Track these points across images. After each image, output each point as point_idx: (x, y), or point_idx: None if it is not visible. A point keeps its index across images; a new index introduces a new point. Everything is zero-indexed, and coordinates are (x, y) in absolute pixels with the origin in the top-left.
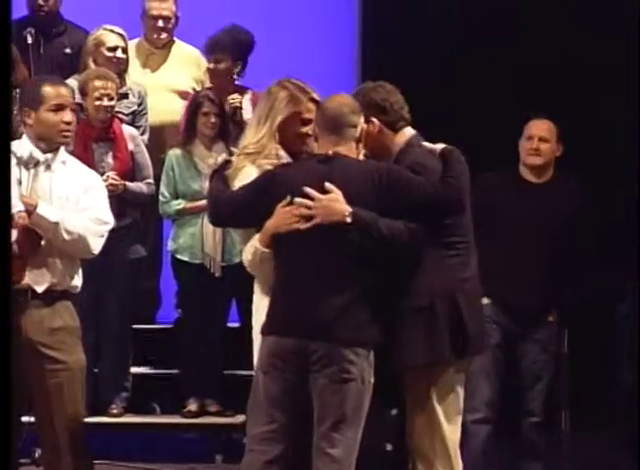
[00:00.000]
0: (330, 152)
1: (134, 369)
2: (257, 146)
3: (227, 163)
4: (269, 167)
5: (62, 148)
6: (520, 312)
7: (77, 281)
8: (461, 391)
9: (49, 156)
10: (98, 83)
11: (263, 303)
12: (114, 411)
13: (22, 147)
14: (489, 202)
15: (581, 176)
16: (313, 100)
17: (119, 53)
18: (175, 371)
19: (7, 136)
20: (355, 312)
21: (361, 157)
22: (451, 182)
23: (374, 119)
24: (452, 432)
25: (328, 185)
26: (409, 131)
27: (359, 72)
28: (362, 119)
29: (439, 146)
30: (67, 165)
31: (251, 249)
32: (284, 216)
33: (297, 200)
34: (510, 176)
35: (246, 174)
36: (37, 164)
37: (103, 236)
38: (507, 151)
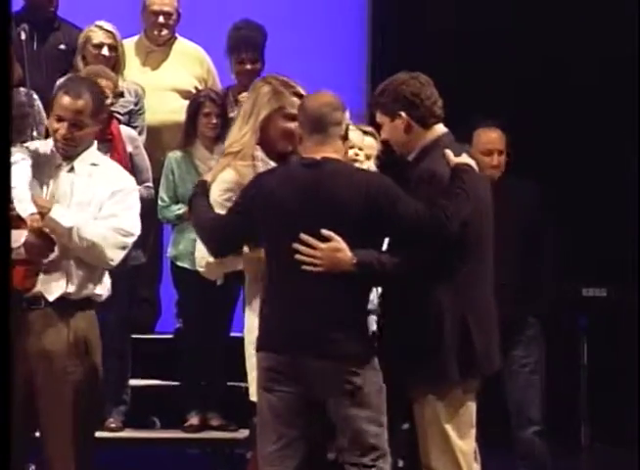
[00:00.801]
0: (318, 156)
1: (133, 381)
2: (240, 143)
3: (203, 184)
4: (245, 170)
5: (92, 150)
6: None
7: (101, 289)
8: (472, 405)
9: (73, 158)
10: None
11: (253, 312)
12: (112, 426)
13: (47, 146)
14: None
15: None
16: (298, 94)
17: (105, 51)
18: (176, 383)
19: (7, 136)
20: (352, 326)
21: (374, 150)
22: (442, 209)
23: (402, 114)
24: (465, 445)
25: (326, 232)
26: (440, 129)
27: (369, 71)
28: (347, 116)
29: (456, 160)
30: (97, 169)
31: (211, 259)
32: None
33: (298, 248)
34: None
35: (222, 179)
36: (60, 165)
37: (124, 247)
38: None
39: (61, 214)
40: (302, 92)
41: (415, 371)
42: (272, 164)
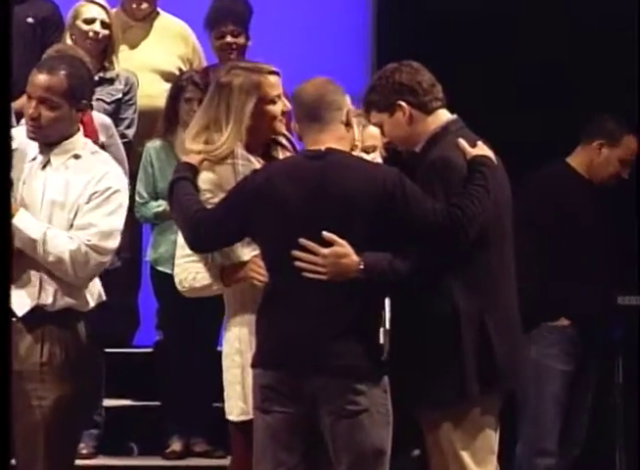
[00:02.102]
0: (322, 147)
1: (107, 401)
2: (221, 151)
3: (188, 167)
4: (224, 169)
5: (76, 139)
6: (594, 334)
7: (85, 298)
8: (492, 432)
9: (51, 148)
10: None
11: (234, 324)
12: (84, 452)
13: (19, 136)
14: (559, 205)
15: None
16: (271, 72)
17: (98, 26)
18: (156, 404)
19: (7, 136)
20: (358, 339)
21: (378, 140)
22: (461, 210)
23: (401, 103)
24: None
25: (328, 235)
26: (446, 115)
27: (373, 55)
28: (348, 100)
29: (473, 152)
30: (79, 162)
31: (199, 277)
32: (258, 275)
33: (297, 254)
34: (570, 174)
35: (199, 180)
36: (35, 158)
37: (98, 266)
38: (545, 143)
39: (25, 222)
40: (274, 68)
41: (426, 387)
42: (253, 160)
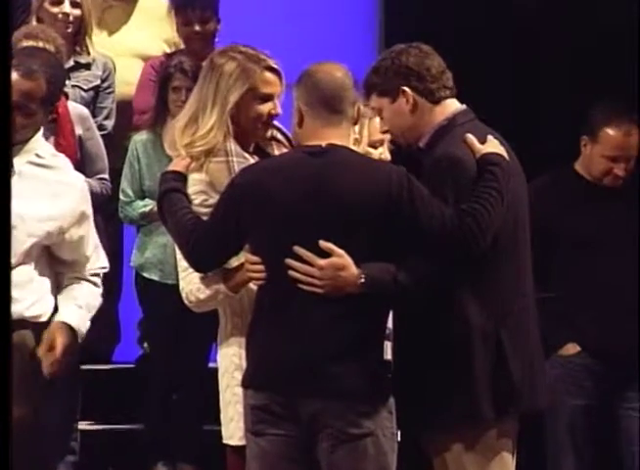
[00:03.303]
0: (322, 144)
1: (83, 424)
2: (208, 141)
3: (177, 176)
4: (217, 168)
5: (37, 138)
6: (617, 360)
7: (40, 308)
8: (508, 456)
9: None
10: (27, 44)
11: (233, 337)
12: None
13: None
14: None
15: None
16: (271, 68)
17: (67, 7)
18: (138, 426)
19: (7, 135)
20: (360, 358)
21: (385, 138)
22: (473, 216)
23: (405, 89)
24: None
25: (325, 244)
26: (455, 105)
27: (381, 40)
28: (357, 94)
29: (483, 149)
30: (44, 172)
31: (203, 287)
32: (255, 274)
33: (291, 264)
34: (573, 180)
35: (190, 180)
36: None
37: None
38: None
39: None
40: (275, 65)
41: (435, 408)
42: (249, 158)
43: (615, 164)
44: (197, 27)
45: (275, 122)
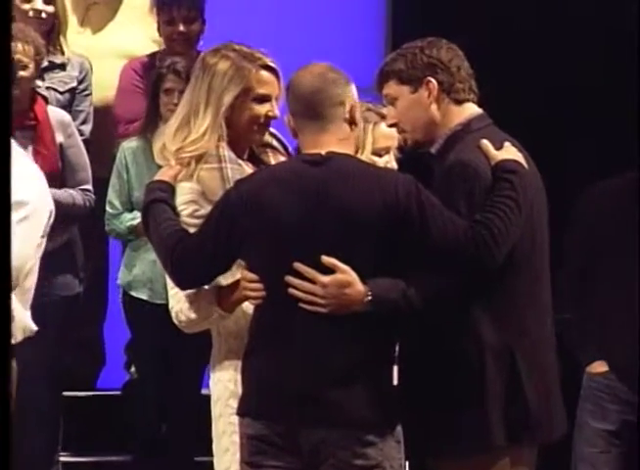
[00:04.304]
0: (322, 151)
1: (64, 456)
2: (200, 145)
3: (163, 186)
4: (210, 175)
5: None
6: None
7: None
8: None
9: None
10: None
11: (228, 361)
12: None
13: None
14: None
15: None
16: (266, 67)
17: (39, 4)
18: (124, 458)
19: (7, 134)
20: (366, 383)
21: (394, 139)
22: (488, 228)
23: (432, 80)
24: None
25: (328, 260)
26: (473, 109)
27: (388, 40)
28: (352, 91)
29: (500, 155)
30: None
31: (195, 305)
32: (253, 292)
33: (291, 281)
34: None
35: (180, 189)
36: None
37: None
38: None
39: None
40: (272, 64)
41: (444, 434)
42: (243, 165)
43: None
44: (181, 28)
45: (271, 129)
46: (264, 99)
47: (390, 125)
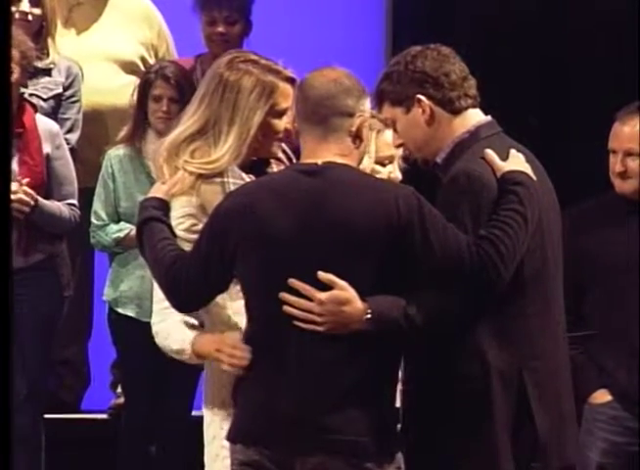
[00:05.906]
0: (318, 161)
1: None
2: (219, 165)
3: (158, 203)
4: (210, 189)
5: None
6: None
7: None
8: None
9: None
10: None
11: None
12: None
13: None
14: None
15: None
16: (289, 79)
17: (25, 5)
18: None
19: (7, 133)
20: (365, 407)
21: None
22: (493, 244)
23: (422, 98)
24: None
25: (325, 275)
26: (478, 115)
27: (388, 43)
28: (365, 105)
29: (505, 166)
30: None
31: (172, 336)
32: (229, 358)
33: (286, 298)
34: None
35: (179, 202)
36: None
37: None
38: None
39: None
40: (293, 75)
41: (449, 464)
42: (246, 178)
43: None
44: (220, 28)
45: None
46: (284, 112)
47: (398, 146)
